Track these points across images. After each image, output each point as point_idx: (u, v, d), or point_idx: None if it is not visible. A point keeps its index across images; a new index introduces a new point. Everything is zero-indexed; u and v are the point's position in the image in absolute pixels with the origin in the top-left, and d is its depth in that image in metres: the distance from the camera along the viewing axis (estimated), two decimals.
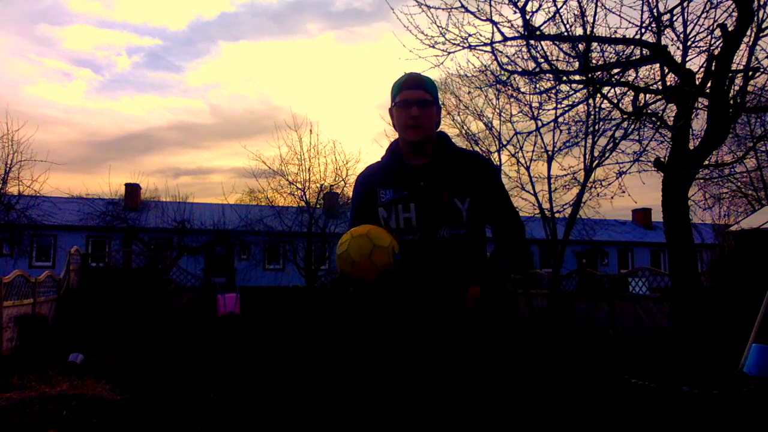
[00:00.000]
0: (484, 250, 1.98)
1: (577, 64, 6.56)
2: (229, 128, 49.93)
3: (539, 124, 9.95)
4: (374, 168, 2.06)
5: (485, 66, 8.79)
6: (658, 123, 7.29)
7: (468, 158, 1.98)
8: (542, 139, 12.34)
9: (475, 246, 1.93)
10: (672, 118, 7.04)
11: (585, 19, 6.22)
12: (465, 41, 6.35)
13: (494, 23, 6.15)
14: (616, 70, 6.66)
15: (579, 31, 6.30)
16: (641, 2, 6.10)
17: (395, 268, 1.82)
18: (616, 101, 7.27)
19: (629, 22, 8.72)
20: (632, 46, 6.43)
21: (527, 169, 13.21)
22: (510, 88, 8.57)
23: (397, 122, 1.97)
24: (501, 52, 6.69)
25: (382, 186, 1.97)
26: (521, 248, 1.95)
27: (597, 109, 9.26)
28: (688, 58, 6.58)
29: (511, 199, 2.05)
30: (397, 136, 2.04)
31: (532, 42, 6.40)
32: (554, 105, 8.39)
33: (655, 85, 7.25)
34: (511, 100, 11.33)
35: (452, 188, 1.90)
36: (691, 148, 6.84)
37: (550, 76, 6.86)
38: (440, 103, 2.08)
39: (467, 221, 1.89)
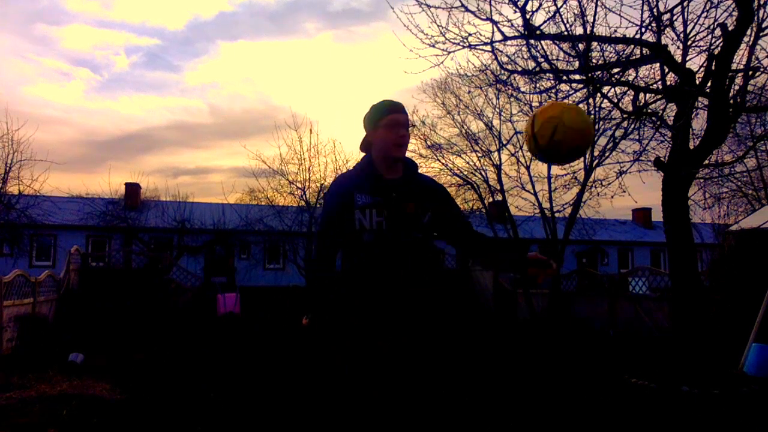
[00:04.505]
0: (437, 251, 2.25)
1: (577, 64, 6.57)
2: (228, 128, 49.95)
3: None
4: (350, 176, 2.35)
5: (485, 65, 8.78)
6: (658, 123, 7.29)
7: (429, 182, 2.39)
8: None
9: (429, 247, 2.29)
10: (672, 118, 7.03)
11: (585, 18, 6.23)
12: (465, 40, 6.36)
13: (494, 22, 6.16)
14: (616, 70, 6.66)
15: (579, 31, 6.30)
16: (641, 2, 6.10)
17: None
18: (616, 101, 7.26)
19: (629, 21, 8.71)
20: (632, 46, 6.43)
21: (527, 168, 13.23)
22: (510, 87, 8.56)
23: (383, 140, 2.26)
24: (501, 51, 6.70)
25: (359, 191, 2.24)
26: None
27: (597, 109, 9.24)
28: (688, 58, 6.58)
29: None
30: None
31: (532, 41, 6.40)
32: None
33: (655, 85, 7.24)
34: (511, 99, 11.37)
35: (417, 202, 2.25)
36: (691, 147, 6.84)
37: (550, 75, 6.87)
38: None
39: (426, 229, 2.25)
